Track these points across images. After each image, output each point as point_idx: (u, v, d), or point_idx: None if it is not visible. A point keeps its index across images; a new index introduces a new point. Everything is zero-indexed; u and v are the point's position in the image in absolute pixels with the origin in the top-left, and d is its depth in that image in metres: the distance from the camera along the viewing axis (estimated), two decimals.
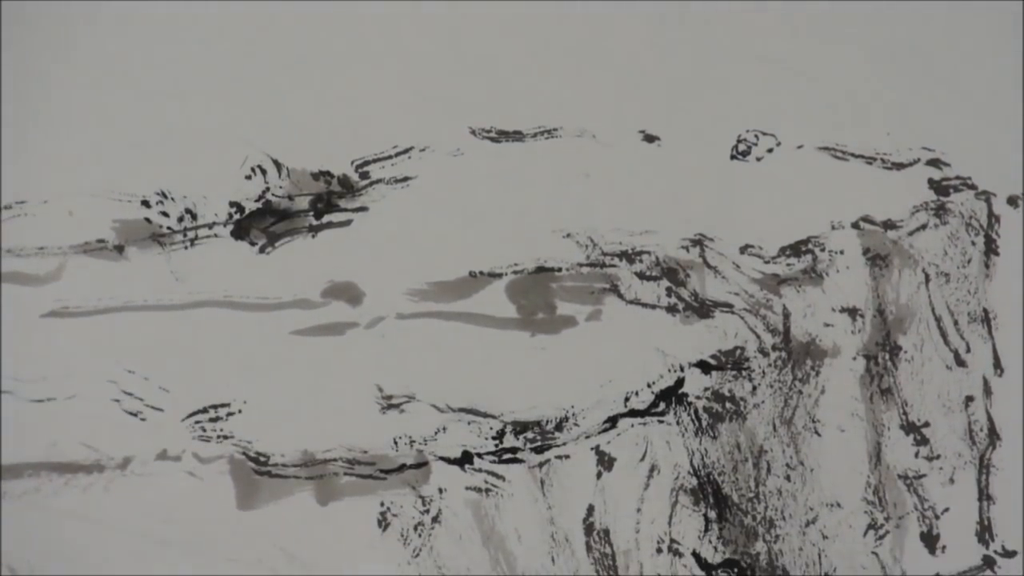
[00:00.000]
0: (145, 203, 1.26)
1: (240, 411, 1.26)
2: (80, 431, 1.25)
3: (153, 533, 1.25)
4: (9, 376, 1.24)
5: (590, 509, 1.29)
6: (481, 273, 1.28)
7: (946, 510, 1.31)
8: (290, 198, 1.27)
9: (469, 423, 1.28)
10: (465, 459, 1.28)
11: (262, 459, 1.25)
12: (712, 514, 1.30)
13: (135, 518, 1.25)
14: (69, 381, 1.25)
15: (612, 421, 1.29)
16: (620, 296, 1.30)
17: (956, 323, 1.30)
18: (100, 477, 1.24)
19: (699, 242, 1.30)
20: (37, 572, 1.23)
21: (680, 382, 1.30)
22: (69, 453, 1.25)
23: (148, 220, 1.26)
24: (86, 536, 1.24)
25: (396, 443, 1.27)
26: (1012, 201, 1.31)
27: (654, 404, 1.30)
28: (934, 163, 1.32)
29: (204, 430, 1.25)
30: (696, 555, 1.29)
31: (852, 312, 1.31)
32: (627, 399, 1.30)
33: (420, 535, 1.27)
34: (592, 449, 1.29)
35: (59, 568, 1.23)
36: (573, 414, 1.29)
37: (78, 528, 1.24)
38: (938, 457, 1.31)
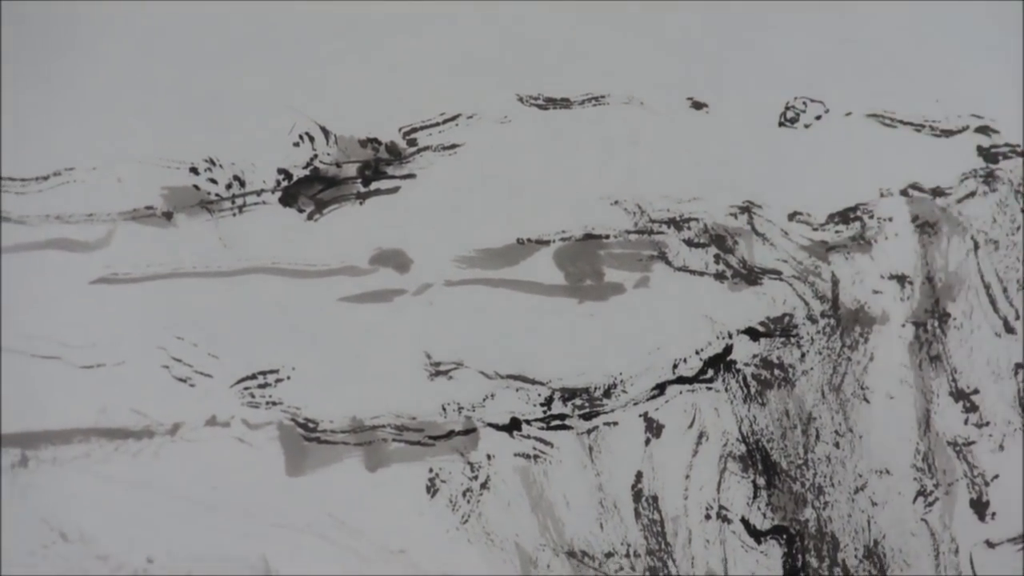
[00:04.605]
0: (194, 170, 1.14)
1: (289, 377, 1.14)
2: (129, 397, 1.13)
3: (202, 499, 1.13)
4: (58, 342, 1.12)
5: (639, 476, 1.17)
6: (529, 240, 1.16)
7: (995, 477, 1.19)
8: (338, 165, 1.15)
9: (517, 390, 1.16)
10: (513, 425, 1.16)
11: (311, 425, 1.13)
12: (761, 481, 1.17)
13: (184, 484, 1.14)
14: (118, 347, 1.13)
15: (660, 388, 1.17)
16: (668, 263, 1.17)
17: (1005, 290, 1.18)
18: (150, 443, 1.13)
19: (747, 209, 1.18)
20: (87, 537, 1.11)
21: (728, 349, 1.17)
22: (119, 419, 1.13)
23: (196, 187, 1.14)
24: (135, 502, 1.13)
25: (444, 409, 1.15)
26: None
27: (702, 371, 1.17)
28: (983, 130, 1.20)
29: (253, 396, 1.13)
30: (745, 521, 1.17)
31: (901, 279, 1.18)
32: (675, 366, 1.17)
33: (469, 501, 1.15)
34: (640, 416, 1.17)
35: (110, 533, 1.11)
36: (621, 381, 1.16)
37: (127, 494, 1.13)
38: (987, 424, 1.18)
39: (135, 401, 1.14)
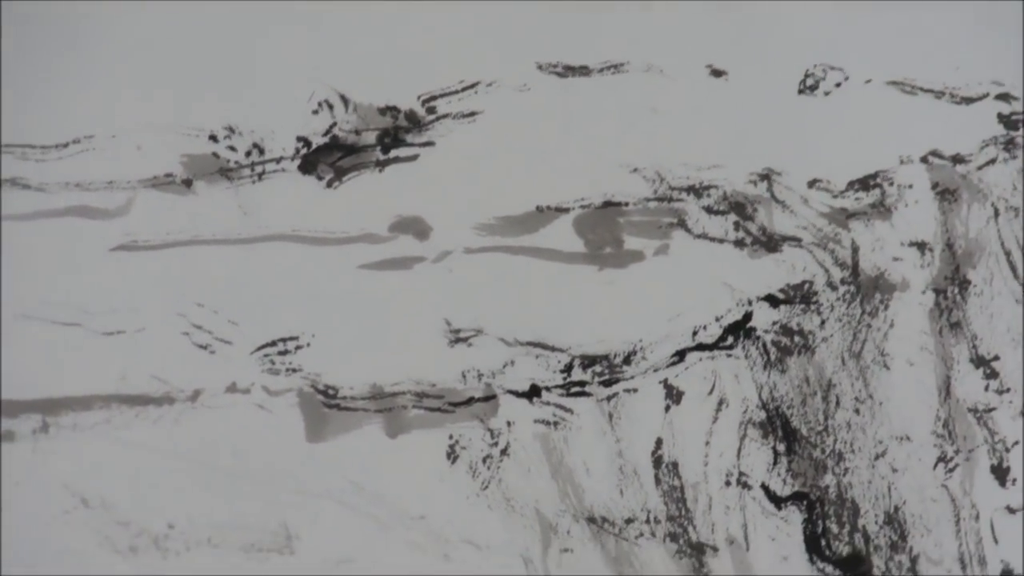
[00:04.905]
0: (213, 137, 1.14)
1: (309, 344, 1.13)
2: (150, 364, 1.13)
3: (222, 465, 1.13)
4: (79, 309, 1.12)
5: (658, 442, 1.16)
6: (548, 207, 1.15)
7: (1016, 443, 1.17)
8: (357, 133, 1.14)
9: (537, 356, 1.15)
10: (533, 392, 1.15)
11: (331, 392, 1.13)
12: (781, 447, 1.16)
13: (205, 450, 1.13)
14: (138, 314, 1.13)
15: (680, 355, 1.16)
16: (688, 230, 1.17)
17: None
18: (170, 409, 1.12)
19: (767, 176, 1.17)
20: (108, 503, 1.10)
21: (748, 316, 1.17)
22: (139, 386, 1.13)
23: (216, 154, 1.14)
24: (156, 468, 1.13)
25: (464, 376, 1.14)
26: None
27: (722, 338, 1.17)
28: (1003, 97, 1.19)
29: (273, 363, 1.13)
30: (765, 488, 1.16)
31: (921, 246, 1.18)
32: (695, 333, 1.17)
33: (489, 468, 1.14)
34: (660, 383, 1.16)
35: (131, 499, 1.10)
36: (641, 348, 1.16)
37: (148, 460, 1.13)
38: (1008, 390, 1.17)
39: (155, 368, 1.13)
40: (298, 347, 1.14)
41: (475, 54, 1.16)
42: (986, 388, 1.17)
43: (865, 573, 1.16)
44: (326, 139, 1.15)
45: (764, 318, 1.17)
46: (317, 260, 1.14)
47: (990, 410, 1.17)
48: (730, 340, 1.17)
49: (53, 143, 1.13)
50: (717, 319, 1.17)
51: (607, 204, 1.17)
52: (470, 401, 1.15)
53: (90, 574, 1.11)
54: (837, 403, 1.17)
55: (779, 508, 1.17)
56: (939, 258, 1.18)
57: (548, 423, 1.16)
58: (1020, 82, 1.19)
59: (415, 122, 1.15)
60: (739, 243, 1.17)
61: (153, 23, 1.14)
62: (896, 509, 1.17)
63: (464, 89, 1.16)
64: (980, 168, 1.18)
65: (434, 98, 1.16)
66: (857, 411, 1.17)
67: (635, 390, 1.17)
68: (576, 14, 1.17)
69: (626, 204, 1.17)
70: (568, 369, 1.16)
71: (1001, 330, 1.17)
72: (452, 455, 1.15)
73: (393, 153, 1.15)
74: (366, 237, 1.15)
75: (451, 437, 1.15)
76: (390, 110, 1.15)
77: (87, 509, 1.12)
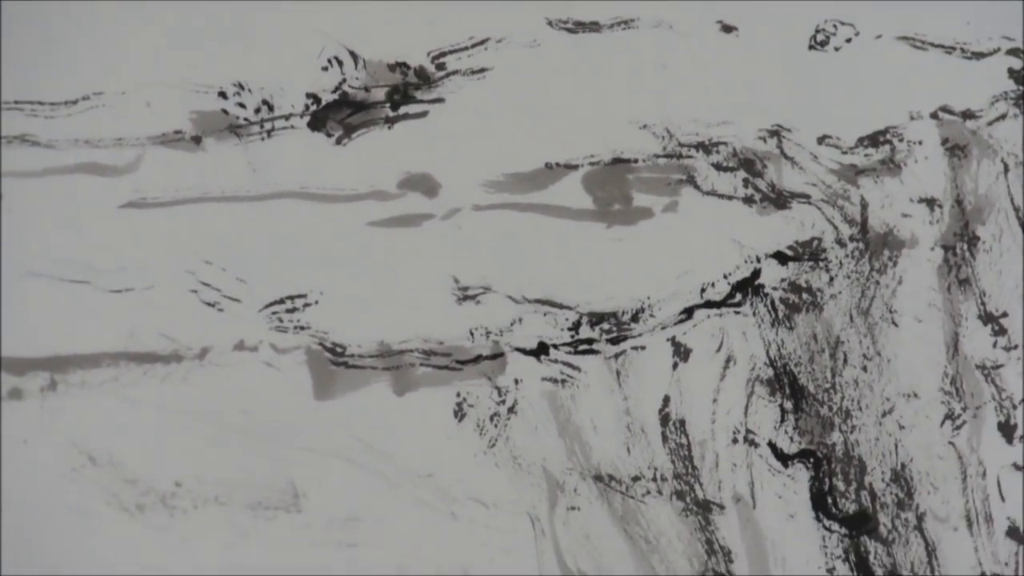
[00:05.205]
0: (222, 94, 1.13)
1: (317, 302, 1.13)
2: (158, 321, 1.13)
3: (230, 423, 1.12)
4: (87, 266, 1.11)
5: (666, 400, 1.15)
6: (557, 164, 1.15)
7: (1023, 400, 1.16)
8: (366, 89, 1.13)
9: (545, 314, 1.14)
10: (541, 350, 1.15)
11: (339, 350, 1.12)
12: (788, 405, 1.16)
13: (213, 408, 1.13)
14: (147, 272, 1.12)
15: (688, 312, 1.16)
16: (697, 187, 1.16)
17: None
18: (178, 367, 1.12)
19: (776, 133, 1.16)
20: (116, 461, 1.10)
21: (756, 273, 1.16)
22: (147, 343, 1.12)
23: (225, 111, 1.13)
24: (164, 426, 1.13)
25: (472, 334, 1.14)
26: None
27: (730, 295, 1.16)
28: (1014, 52, 1.18)
29: (281, 321, 1.12)
30: (772, 445, 1.16)
31: (930, 202, 1.17)
32: (703, 290, 1.16)
33: (496, 425, 1.14)
34: (668, 340, 1.16)
35: (139, 456, 1.10)
36: (649, 305, 1.15)
37: (156, 418, 1.12)
38: (1016, 347, 1.17)
39: (163, 325, 1.13)
40: (306, 305, 1.13)
41: (485, 10, 1.15)
42: (994, 345, 1.17)
43: (872, 531, 1.16)
44: (335, 96, 1.14)
45: (772, 275, 1.17)
46: (326, 217, 1.14)
47: (998, 367, 1.17)
48: (738, 297, 1.16)
49: (62, 99, 1.12)
50: (725, 276, 1.17)
51: (616, 161, 1.16)
52: (478, 359, 1.15)
53: (97, 532, 1.10)
54: (845, 360, 1.17)
55: (786, 466, 1.16)
56: (948, 214, 1.17)
57: (556, 381, 1.15)
58: None
59: (425, 79, 1.15)
60: (748, 200, 1.16)
61: None
62: (903, 466, 1.17)
63: (474, 45, 1.15)
64: (990, 124, 1.17)
65: (444, 54, 1.15)
66: (865, 368, 1.16)
67: (643, 347, 1.16)
68: None
69: (635, 161, 1.16)
70: (576, 327, 1.15)
71: (1010, 286, 1.17)
72: (459, 413, 1.14)
73: (403, 110, 1.15)
74: (375, 194, 1.14)
75: (459, 395, 1.14)
76: (400, 66, 1.14)
77: (95, 467, 1.12)
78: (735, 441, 1.16)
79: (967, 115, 1.17)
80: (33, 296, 1.11)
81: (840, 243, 1.17)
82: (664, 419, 1.16)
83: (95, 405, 1.12)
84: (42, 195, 1.12)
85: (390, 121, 1.14)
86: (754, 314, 1.16)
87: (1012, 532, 1.17)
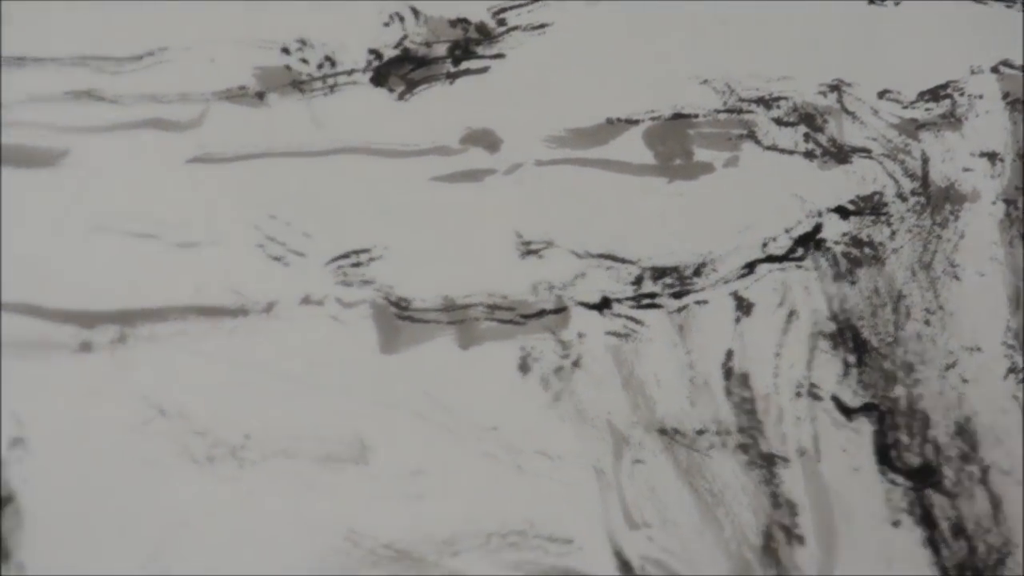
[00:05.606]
0: (285, 50, 1.14)
1: (381, 256, 1.13)
2: (224, 275, 1.13)
3: (298, 376, 1.12)
4: (154, 221, 1.11)
5: (729, 354, 1.16)
6: (618, 120, 1.15)
7: None
8: (428, 45, 1.14)
9: (608, 268, 1.15)
10: (604, 304, 1.15)
11: (403, 304, 1.13)
12: (851, 359, 1.16)
13: (280, 361, 1.13)
14: (213, 226, 1.13)
15: (750, 267, 1.16)
16: (757, 142, 1.16)
17: None
18: (245, 321, 1.12)
19: (837, 87, 1.17)
20: (185, 413, 1.11)
21: (818, 227, 1.16)
22: (214, 297, 1.12)
23: (288, 67, 1.14)
24: (232, 379, 1.13)
25: (535, 288, 1.14)
26: None
27: (792, 249, 1.16)
28: None
29: (346, 275, 1.13)
30: (835, 399, 1.16)
31: (991, 156, 1.17)
32: (765, 244, 1.16)
33: (560, 379, 1.14)
34: (731, 294, 1.16)
35: (208, 409, 1.11)
36: (711, 260, 1.16)
37: (224, 371, 1.12)
38: None
39: (230, 279, 1.13)
40: (371, 259, 1.14)
41: None
42: None
43: (936, 484, 1.16)
44: (397, 51, 1.15)
45: (834, 229, 1.17)
46: (389, 172, 1.14)
47: None
48: (800, 252, 1.17)
49: (127, 55, 1.12)
50: (787, 231, 1.17)
51: (676, 116, 1.16)
52: (541, 313, 1.15)
53: (168, 483, 1.11)
54: (907, 314, 1.17)
55: (849, 419, 1.16)
56: (1009, 168, 1.17)
57: (619, 335, 1.15)
58: None
59: (485, 34, 1.15)
60: (809, 154, 1.17)
61: None
62: (967, 420, 1.17)
63: (534, 1, 1.16)
64: None
65: (504, 10, 1.16)
66: (927, 322, 1.16)
67: (705, 302, 1.16)
68: None
69: (696, 116, 1.16)
70: (638, 281, 1.16)
71: None
72: (524, 367, 1.14)
73: (464, 65, 1.15)
74: (437, 149, 1.15)
75: (522, 349, 1.15)
76: (460, 22, 1.15)
77: (165, 419, 1.12)
78: (799, 395, 1.16)
79: None
80: (100, 250, 1.11)
81: (901, 197, 1.17)
82: (727, 373, 1.16)
83: (164, 358, 1.12)
84: (108, 150, 1.12)
85: (451, 76, 1.15)
86: (816, 268, 1.16)
87: None
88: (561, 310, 1.16)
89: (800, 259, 1.17)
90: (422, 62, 1.15)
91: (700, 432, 1.16)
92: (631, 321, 1.16)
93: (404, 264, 1.15)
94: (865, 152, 1.17)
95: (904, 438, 1.17)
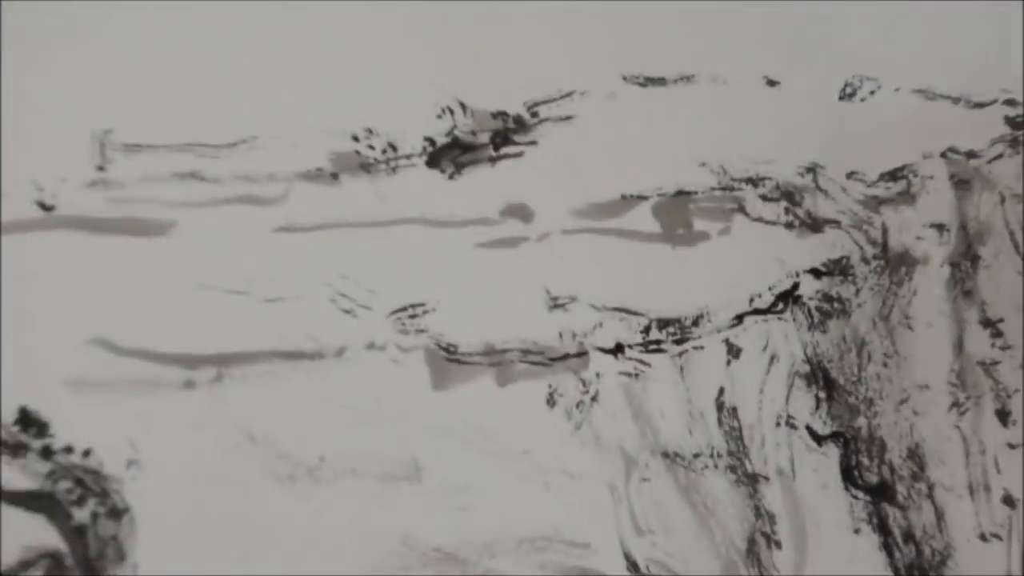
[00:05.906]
0: (355, 138, 1.25)
1: (434, 309, 1.25)
2: (304, 325, 1.23)
3: (364, 409, 1.23)
4: (246, 280, 1.23)
5: (721, 390, 1.30)
6: (631, 196, 1.29)
7: (1017, 390, 1.34)
8: (473, 133, 1.26)
9: (621, 319, 1.28)
10: (618, 349, 1.28)
11: (451, 349, 1.25)
12: (822, 394, 1.31)
13: (349, 396, 1.23)
14: (294, 284, 1.23)
15: (739, 318, 1.30)
16: (746, 214, 1.30)
17: None
18: (321, 363, 1.23)
19: (812, 169, 1.31)
20: (271, 439, 1.22)
21: (796, 286, 1.31)
22: (296, 343, 1.23)
23: (357, 152, 1.25)
24: (310, 411, 1.23)
25: (561, 336, 1.27)
26: None
27: (774, 304, 1.31)
28: (1009, 102, 1.33)
29: (404, 325, 1.24)
30: (808, 428, 1.31)
31: (940, 227, 1.32)
32: (751, 300, 1.31)
33: (581, 411, 1.27)
34: (723, 341, 1.30)
35: (289, 436, 1.23)
36: (707, 312, 1.30)
37: (303, 404, 1.23)
38: (1010, 347, 1.32)
39: (309, 328, 1.22)
40: (425, 312, 1.25)
41: (571, 68, 1.28)
42: (992, 345, 1.32)
43: (891, 498, 1.32)
44: (448, 139, 1.26)
45: (809, 287, 1.31)
46: (441, 240, 1.25)
47: (995, 363, 1.32)
48: (781, 306, 1.30)
49: (225, 142, 1.24)
50: (770, 288, 1.30)
51: (679, 193, 1.29)
52: (565, 357, 1.26)
53: (255, 499, 1.21)
54: (869, 358, 1.31)
55: (820, 445, 1.31)
56: (955, 237, 1.31)
57: (630, 375, 1.28)
58: (1021, 89, 1.35)
59: (521, 124, 1.27)
60: (789, 225, 1.31)
61: (302, 36, 1.26)
62: (917, 445, 1.32)
63: (562, 97, 1.28)
64: (990, 162, 1.32)
65: (537, 104, 1.28)
66: (885, 364, 1.32)
67: (702, 347, 1.30)
68: (655, 33, 1.30)
69: (695, 193, 1.30)
70: (647, 330, 1.29)
71: (1006, 297, 1.32)
72: (551, 401, 1.26)
73: (503, 151, 1.26)
74: (481, 220, 1.26)
75: (550, 386, 1.26)
76: (501, 115, 1.27)
77: (254, 444, 1.21)
78: (778, 424, 1.31)
79: (970, 155, 1.32)
80: (202, 305, 1.21)
81: (865, 261, 1.32)
82: (719, 406, 1.30)
83: (254, 394, 1.21)
84: (208, 221, 1.23)
85: (493, 160, 1.27)
86: (794, 320, 1.31)
87: (1006, 500, 1.32)
88: (582, 354, 1.28)
89: (781, 312, 1.32)
90: (469, 148, 1.27)
91: (696, 455, 1.30)
92: (640, 363, 1.29)
93: (452, 316, 1.26)
94: (835, 223, 1.33)
95: (865, 460, 1.32)
